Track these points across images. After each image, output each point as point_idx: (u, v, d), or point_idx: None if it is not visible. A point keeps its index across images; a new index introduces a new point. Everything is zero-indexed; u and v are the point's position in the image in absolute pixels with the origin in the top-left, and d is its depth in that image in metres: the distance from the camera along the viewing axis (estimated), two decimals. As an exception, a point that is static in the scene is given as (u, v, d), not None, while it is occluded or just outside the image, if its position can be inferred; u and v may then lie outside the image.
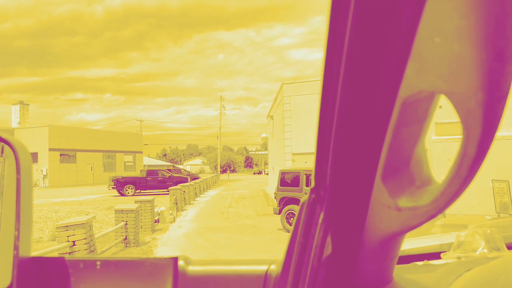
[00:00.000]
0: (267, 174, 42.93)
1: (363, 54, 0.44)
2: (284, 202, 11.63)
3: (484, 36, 0.35)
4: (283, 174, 12.07)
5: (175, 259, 0.80)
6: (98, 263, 0.79)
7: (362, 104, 0.47)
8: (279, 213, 11.68)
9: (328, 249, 0.62)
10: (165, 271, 0.79)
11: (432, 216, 0.51)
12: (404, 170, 0.54)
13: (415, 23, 0.39)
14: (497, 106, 0.38)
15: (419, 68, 0.41)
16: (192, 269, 0.80)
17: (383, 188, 0.54)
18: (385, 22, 0.41)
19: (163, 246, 9.86)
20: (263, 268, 0.79)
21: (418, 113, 0.48)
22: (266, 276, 0.78)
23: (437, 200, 0.49)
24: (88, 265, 0.79)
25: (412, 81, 0.42)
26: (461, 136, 0.42)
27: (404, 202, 0.53)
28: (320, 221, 0.61)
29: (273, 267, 0.78)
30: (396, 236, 0.61)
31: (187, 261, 0.81)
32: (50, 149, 38.77)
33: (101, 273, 0.79)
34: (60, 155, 39.82)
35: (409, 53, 0.41)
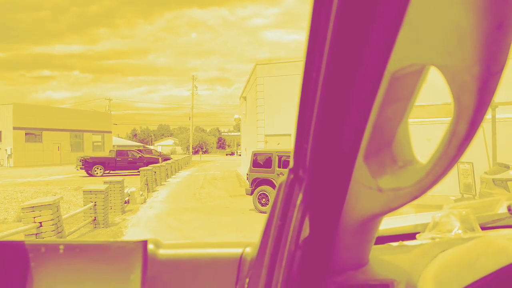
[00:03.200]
0: (240, 155, 43.01)
1: (350, 24, 0.40)
2: (256, 183, 11.70)
3: (487, 4, 0.32)
4: (255, 155, 12.10)
5: (144, 243, 0.76)
6: (61, 247, 0.74)
7: (347, 79, 0.44)
8: (251, 194, 11.75)
9: (305, 232, 0.59)
10: (133, 255, 0.75)
11: (415, 197, 0.50)
12: (387, 149, 0.52)
13: None
14: (492, 81, 0.36)
15: (412, 39, 0.38)
16: (163, 252, 0.76)
17: (365, 168, 0.52)
18: None
19: (133, 227, 9.74)
20: (237, 251, 0.76)
21: (406, 88, 0.45)
22: (240, 259, 0.75)
23: (422, 181, 0.47)
24: (50, 249, 0.74)
25: (402, 53, 0.39)
26: (452, 114, 0.40)
27: (386, 182, 0.51)
28: (298, 202, 0.58)
29: (248, 250, 0.76)
30: (376, 218, 0.60)
31: (157, 245, 0.77)
32: (15, 128, 37.37)
33: (65, 258, 0.74)
34: (26, 134, 38.46)
35: (401, 21, 0.37)
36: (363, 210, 0.56)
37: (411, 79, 0.43)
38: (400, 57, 0.40)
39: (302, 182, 0.58)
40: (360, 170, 0.53)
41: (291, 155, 0.59)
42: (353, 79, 0.44)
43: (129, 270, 0.74)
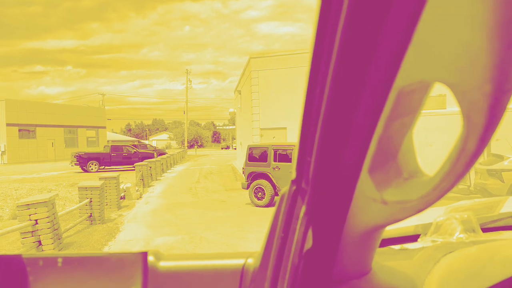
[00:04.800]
0: (235, 149, 43.02)
1: (358, 37, 0.39)
2: (252, 177, 11.71)
3: (498, 24, 0.31)
4: (251, 149, 12.10)
5: (144, 254, 0.75)
6: (59, 260, 0.72)
7: (353, 92, 0.43)
8: (247, 188, 11.76)
9: (308, 243, 0.59)
10: (133, 267, 0.74)
11: (420, 210, 0.49)
12: (392, 162, 0.51)
13: (420, 6, 0.34)
14: (503, 99, 0.35)
15: (421, 56, 0.37)
16: (164, 264, 0.75)
17: (369, 180, 0.51)
18: (385, 2, 0.36)
19: (130, 223, 9.73)
20: (239, 262, 0.75)
21: (413, 103, 0.44)
22: (243, 270, 0.74)
23: (428, 195, 0.46)
24: (48, 263, 0.72)
25: (411, 70, 0.38)
26: (460, 131, 0.39)
27: (390, 195, 0.50)
28: (301, 214, 0.58)
29: (250, 261, 0.75)
30: (380, 228, 0.59)
31: (158, 256, 0.76)
32: (8, 124, 37.12)
33: (63, 271, 0.72)
34: (19, 130, 38.24)
35: (410, 39, 0.36)
36: (367, 222, 0.55)
37: (420, 94, 0.42)
38: (409, 73, 0.39)
39: (305, 194, 0.57)
40: (365, 182, 0.52)
41: (293, 166, 0.58)
42: (359, 94, 0.43)
43: (129, 282, 0.73)
